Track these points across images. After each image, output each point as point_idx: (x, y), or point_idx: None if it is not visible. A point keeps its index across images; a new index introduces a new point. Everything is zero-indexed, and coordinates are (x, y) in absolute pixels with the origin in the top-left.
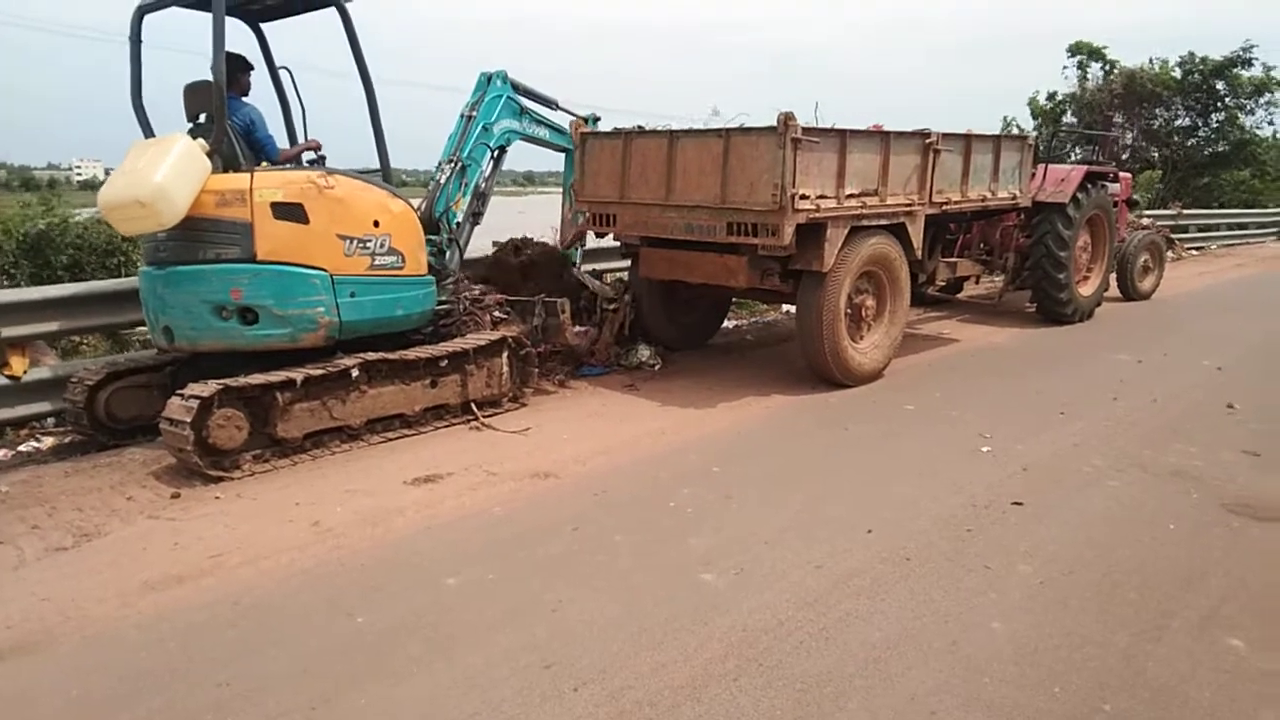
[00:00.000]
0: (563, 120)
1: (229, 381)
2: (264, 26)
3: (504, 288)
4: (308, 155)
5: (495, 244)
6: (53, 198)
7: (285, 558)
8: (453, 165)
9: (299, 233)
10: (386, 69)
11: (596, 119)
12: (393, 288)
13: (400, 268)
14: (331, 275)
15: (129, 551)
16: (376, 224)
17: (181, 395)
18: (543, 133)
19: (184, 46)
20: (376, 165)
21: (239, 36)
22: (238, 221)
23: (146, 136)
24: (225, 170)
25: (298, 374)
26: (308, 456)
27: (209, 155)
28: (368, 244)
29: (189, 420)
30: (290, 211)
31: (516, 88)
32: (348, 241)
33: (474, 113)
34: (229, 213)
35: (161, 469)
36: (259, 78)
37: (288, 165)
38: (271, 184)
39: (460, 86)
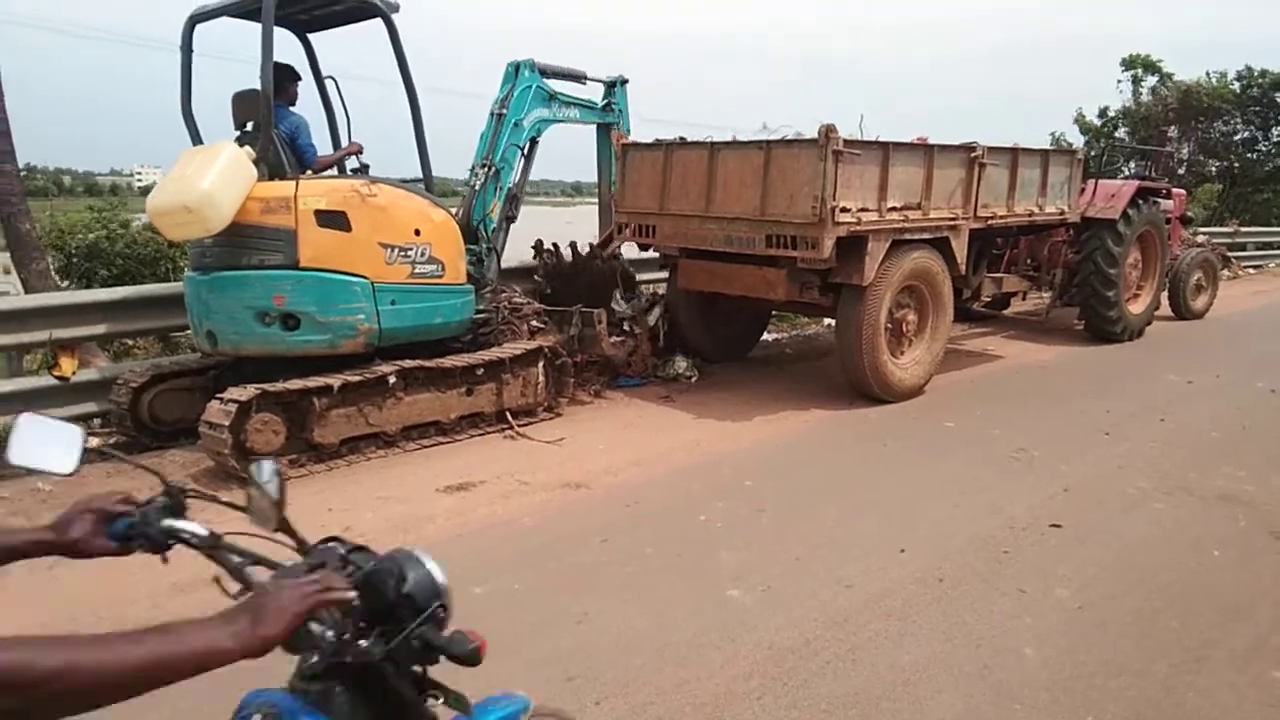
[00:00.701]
0: (594, 93)
1: (267, 386)
2: (311, 37)
3: (557, 291)
4: (350, 163)
5: (539, 248)
6: (116, 204)
7: None
8: (486, 170)
9: (341, 240)
10: (432, 78)
11: (624, 81)
12: (432, 296)
13: (440, 276)
14: (373, 283)
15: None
16: (418, 232)
17: (220, 399)
18: (574, 114)
19: (234, 55)
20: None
21: (287, 46)
22: (281, 228)
23: (195, 144)
24: (271, 178)
25: (335, 380)
26: (343, 462)
27: (255, 163)
28: (409, 252)
29: (227, 424)
30: (333, 219)
31: (544, 71)
32: (389, 250)
33: (504, 110)
34: (273, 219)
35: (200, 471)
36: (305, 87)
37: (330, 172)
38: (315, 192)
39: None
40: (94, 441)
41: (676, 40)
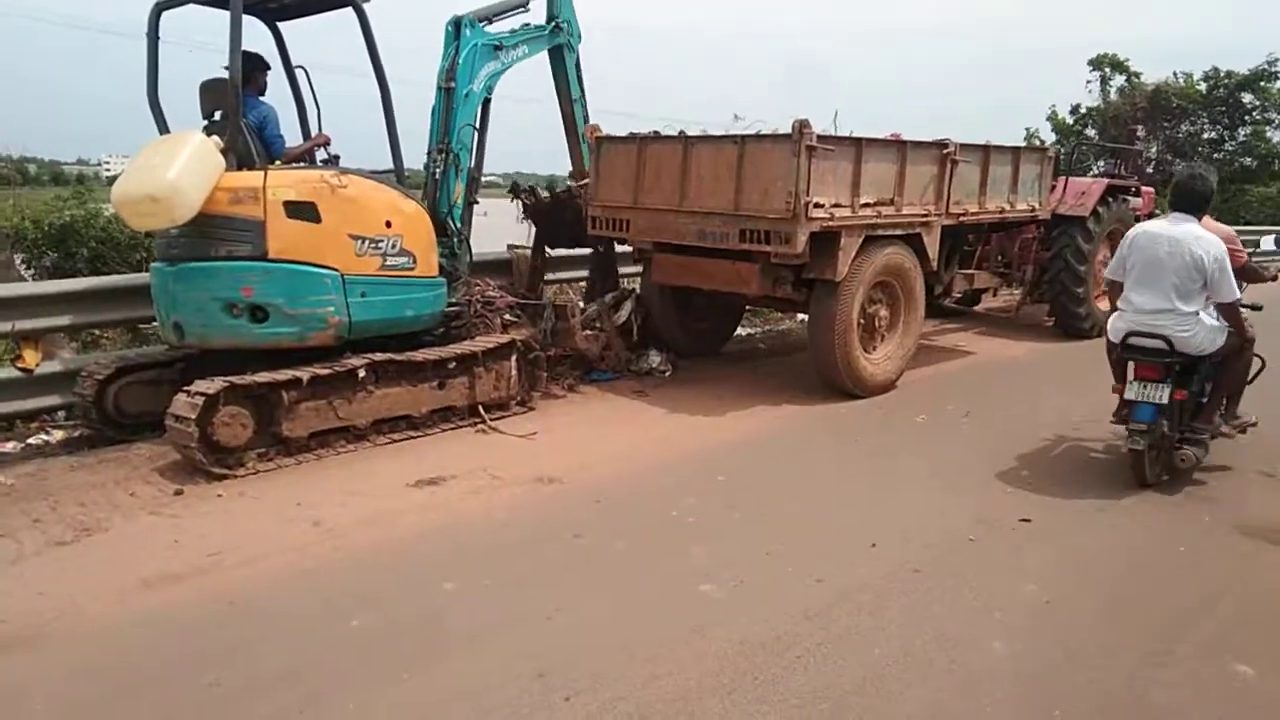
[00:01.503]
0: (537, 15)
1: (235, 379)
2: (281, 26)
3: (541, 230)
4: (320, 154)
5: (511, 246)
6: (84, 191)
7: (284, 558)
8: (444, 155)
9: (311, 232)
10: (404, 69)
11: None
12: (403, 289)
13: (411, 269)
14: (343, 275)
15: (128, 548)
16: (389, 224)
17: (187, 392)
18: (523, 51)
19: (202, 43)
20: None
21: (256, 36)
22: (250, 219)
23: (162, 133)
24: (240, 168)
25: (304, 373)
26: (312, 456)
27: (223, 153)
28: (380, 244)
29: (194, 417)
30: (303, 210)
31: (487, 20)
32: (359, 241)
33: (451, 82)
34: (242, 210)
35: (166, 465)
36: (275, 76)
37: (301, 164)
38: (285, 182)
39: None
40: (58, 435)
41: (654, 35)
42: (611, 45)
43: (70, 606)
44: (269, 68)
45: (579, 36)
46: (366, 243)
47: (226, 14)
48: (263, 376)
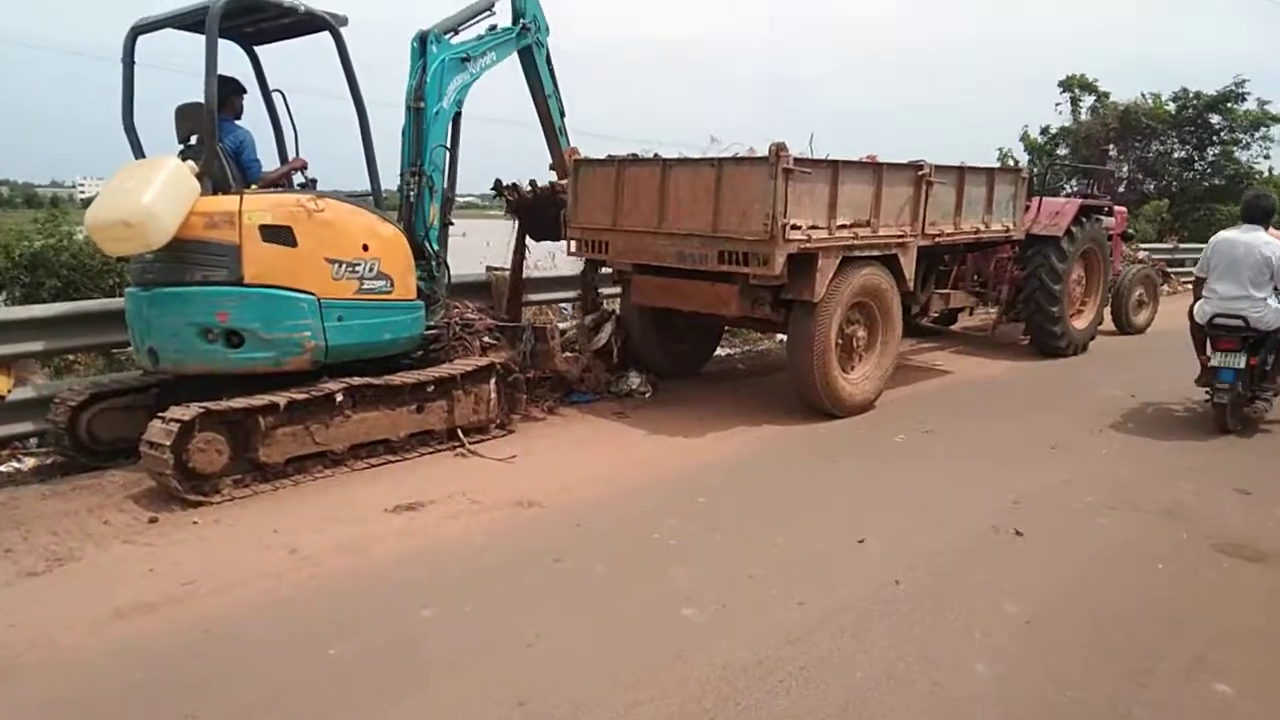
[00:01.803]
0: (502, 17)
1: (210, 405)
2: (258, 50)
3: (525, 223)
4: (298, 178)
5: (489, 268)
6: (59, 215)
7: (260, 586)
8: (417, 178)
9: (287, 256)
10: (384, 92)
11: None
12: (381, 312)
13: (389, 292)
14: (319, 299)
15: (102, 577)
16: (366, 248)
17: (162, 418)
18: (492, 58)
19: (178, 67)
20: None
21: (234, 60)
22: (225, 244)
23: (137, 157)
24: (216, 192)
25: (281, 398)
26: (289, 482)
27: (198, 177)
28: (356, 268)
29: (169, 444)
30: (279, 234)
31: (454, 31)
32: (336, 265)
33: (420, 102)
34: (217, 235)
35: (141, 492)
36: (252, 100)
37: (279, 187)
38: (261, 206)
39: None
40: (30, 462)
41: (637, 52)
42: (591, 66)
43: (42, 637)
44: (245, 91)
45: (547, 30)
46: (343, 266)
47: (203, 38)
48: (239, 402)
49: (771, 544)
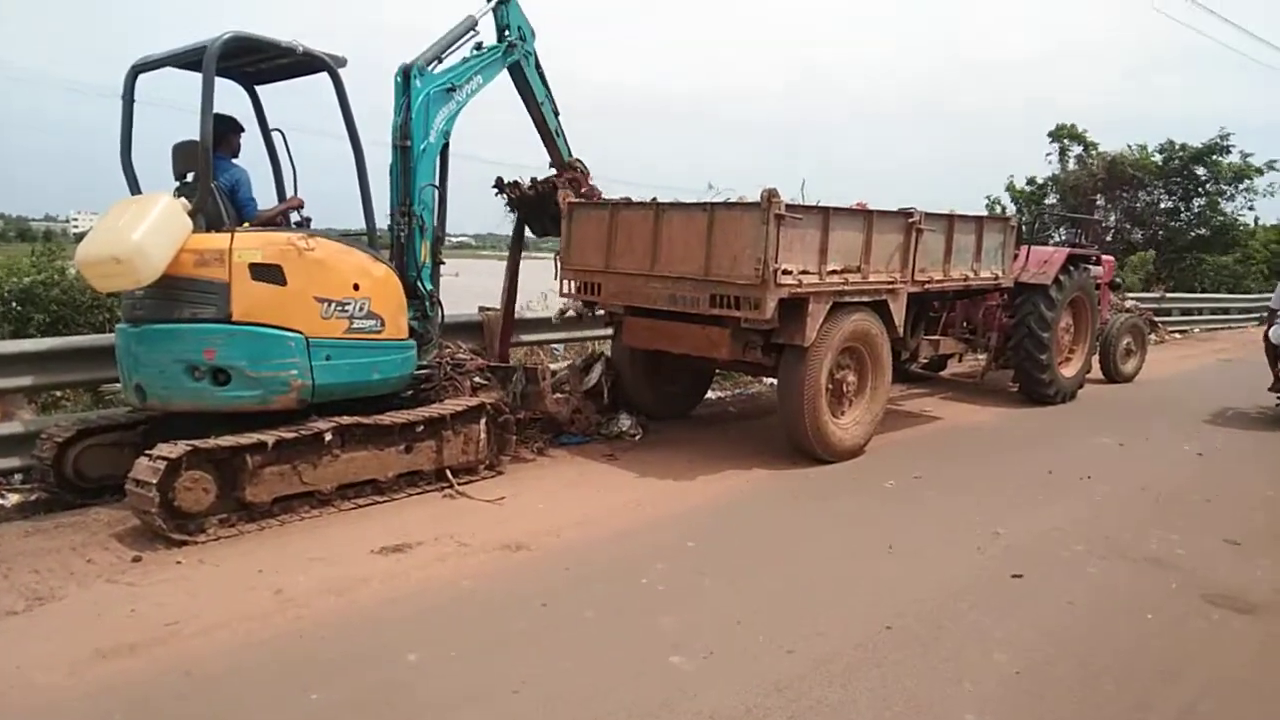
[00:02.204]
0: (486, 35)
1: (198, 443)
2: (259, 89)
3: (523, 217)
4: (295, 216)
5: (481, 308)
6: (54, 249)
7: (243, 627)
8: (407, 217)
9: (276, 294)
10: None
11: None
12: (370, 352)
13: (379, 332)
14: (307, 338)
15: (83, 617)
16: (356, 287)
17: (149, 456)
18: (478, 82)
19: (182, 105)
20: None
21: (234, 99)
22: (214, 281)
23: (133, 194)
24: (210, 229)
25: (269, 436)
26: (275, 521)
27: (191, 214)
28: (346, 307)
29: (155, 482)
30: (268, 273)
31: (437, 60)
32: (325, 304)
33: (407, 140)
34: (206, 272)
35: (125, 530)
36: (251, 139)
37: (275, 226)
38: (251, 244)
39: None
40: (13, 499)
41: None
42: (595, 113)
43: (20, 678)
44: (242, 130)
45: (532, 35)
46: (333, 305)
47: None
48: (227, 440)
49: (761, 590)
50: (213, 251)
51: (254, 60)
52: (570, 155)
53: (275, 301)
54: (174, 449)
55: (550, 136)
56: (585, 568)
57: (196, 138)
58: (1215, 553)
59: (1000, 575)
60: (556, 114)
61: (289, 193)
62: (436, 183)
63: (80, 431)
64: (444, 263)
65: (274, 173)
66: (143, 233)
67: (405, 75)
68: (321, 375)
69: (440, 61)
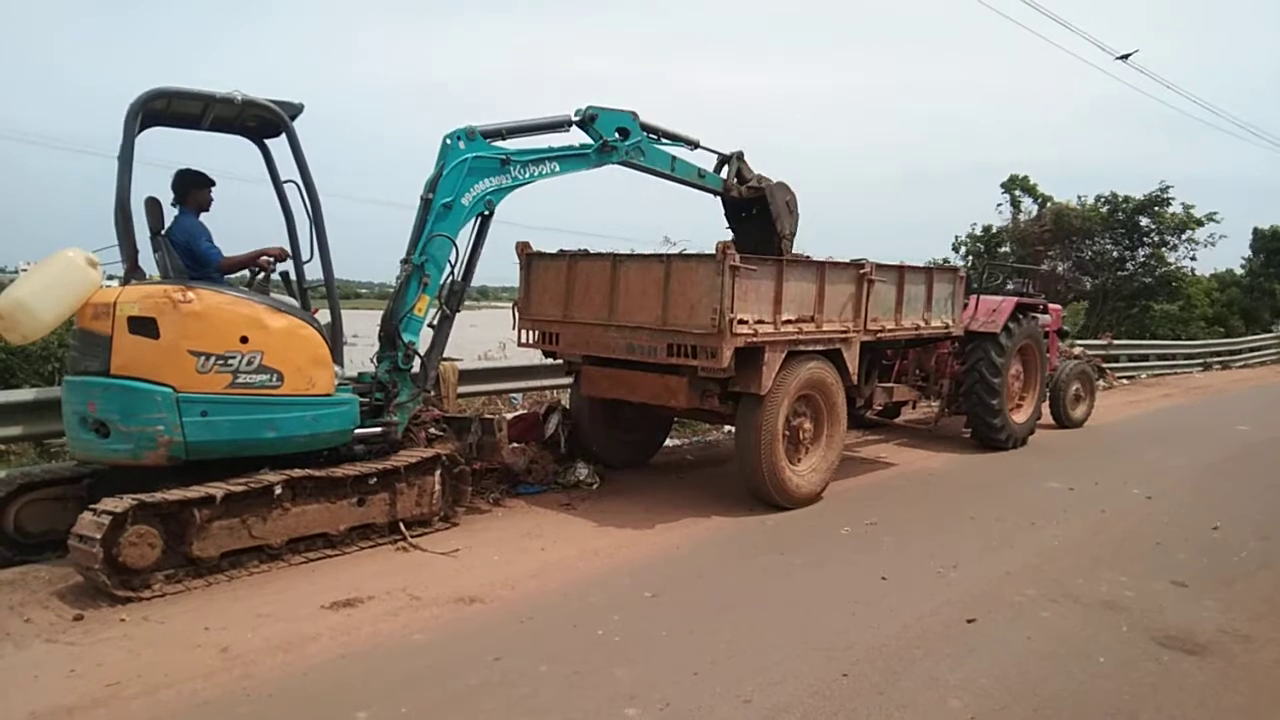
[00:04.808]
0: (574, 136)
1: (144, 496)
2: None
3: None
4: (284, 267)
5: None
6: None
7: (188, 687)
8: (406, 269)
9: (149, 348)
10: (356, 187)
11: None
12: (263, 408)
13: (275, 386)
14: (177, 392)
15: (19, 679)
16: (245, 340)
17: (94, 510)
18: (548, 169)
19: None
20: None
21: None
22: (101, 335)
23: (123, 247)
24: (128, 282)
25: (217, 490)
26: (223, 576)
27: (131, 269)
28: (230, 361)
29: (99, 537)
30: (143, 325)
31: (498, 134)
32: (202, 358)
33: (430, 195)
34: (98, 325)
35: (67, 588)
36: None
37: (154, 277)
38: (132, 298)
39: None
40: None
41: None
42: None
43: None
44: (213, 184)
45: (637, 130)
46: (212, 359)
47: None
48: (174, 494)
49: (718, 639)
50: (103, 305)
51: (256, 115)
52: (726, 178)
53: (148, 355)
54: (119, 503)
55: (697, 185)
56: (541, 620)
57: (154, 195)
58: (1164, 594)
59: (955, 620)
60: (693, 145)
61: (302, 243)
62: (465, 244)
63: (22, 485)
64: (453, 313)
65: (287, 225)
66: (27, 289)
67: (446, 140)
68: (195, 432)
69: (503, 138)
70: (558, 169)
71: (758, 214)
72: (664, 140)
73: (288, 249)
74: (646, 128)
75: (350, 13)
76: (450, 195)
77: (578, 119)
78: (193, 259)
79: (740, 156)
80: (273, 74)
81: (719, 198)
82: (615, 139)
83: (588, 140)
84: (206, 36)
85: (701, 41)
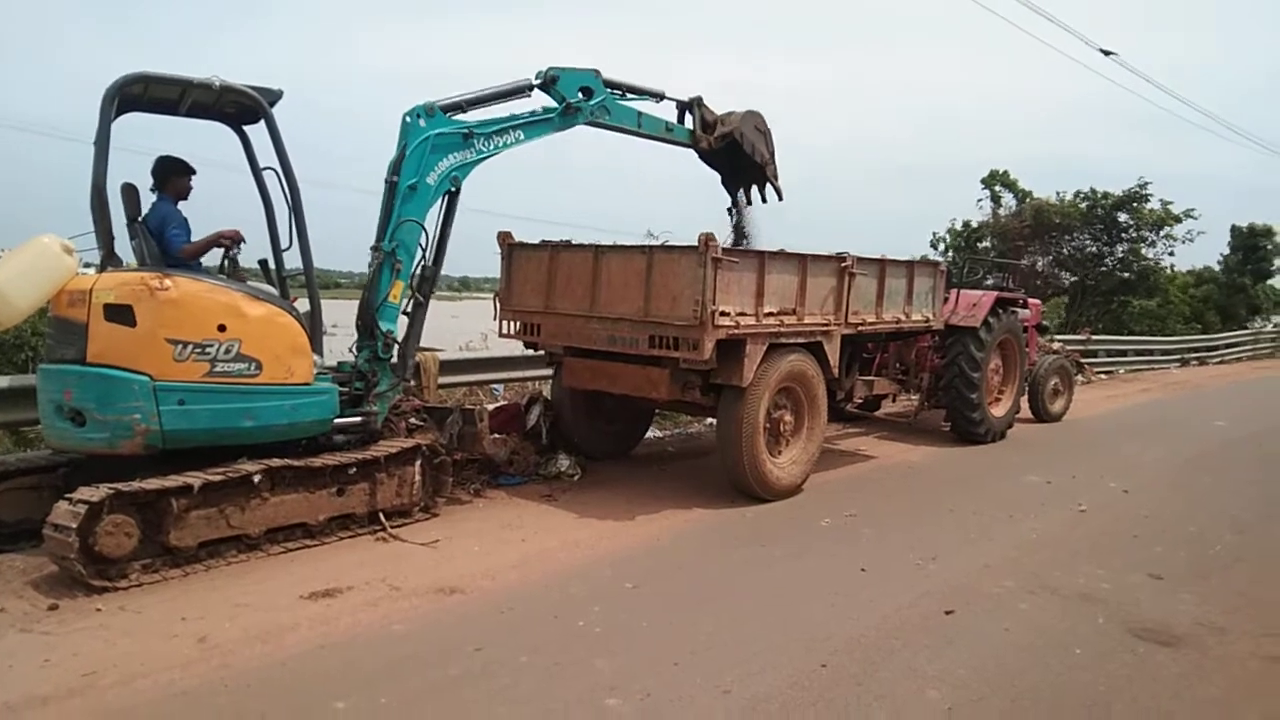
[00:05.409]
0: (538, 100)
1: (120, 486)
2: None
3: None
4: (248, 252)
5: (420, 349)
6: None
7: (164, 677)
8: (376, 256)
9: (125, 335)
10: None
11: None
12: (240, 397)
13: (254, 375)
14: (154, 381)
15: None
16: (222, 328)
17: (69, 499)
18: (511, 139)
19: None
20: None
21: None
22: (77, 322)
23: (100, 235)
24: (104, 269)
25: (195, 479)
26: (201, 566)
27: (107, 255)
28: (207, 349)
29: (74, 526)
30: (120, 313)
31: (458, 108)
32: (179, 346)
33: (394, 177)
34: (73, 313)
35: (42, 578)
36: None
37: (131, 264)
38: (108, 285)
39: None
40: None
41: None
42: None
43: None
44: (192, 171)
45: (600, 88)
46: (189, 348)
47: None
48: (151, 483)
49: (698, 630)
50: (79, 293)
51: (233, 101)
52: (695, 128)
53: (124, 343)
54: (95, 492)
55: (665, 139)
56: (521, 610)
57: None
58: (1140, 587)
59: (933, 612)
60: (659, 98)
61: (282, 233)
62: (433, 225)
63: None
64: (425, 300)
65: (266, 213)
66: (2, 275)
67: (405, 119)
68: (172, 421)
69: (463, 110)
70: (523, 137)
71: (734, 152)
72: (629, 95)
73: (242, 232)
74: (610, 84)
75: (350, 13)
76: (415, 176)
77: (539, 82)
78: (160, 245)
79: (700, 102)
80: (270, 65)
81: (693, 150)
82: (579, 99)
83: (551, 103)
84: (207, 36)
85: (701, 41)
